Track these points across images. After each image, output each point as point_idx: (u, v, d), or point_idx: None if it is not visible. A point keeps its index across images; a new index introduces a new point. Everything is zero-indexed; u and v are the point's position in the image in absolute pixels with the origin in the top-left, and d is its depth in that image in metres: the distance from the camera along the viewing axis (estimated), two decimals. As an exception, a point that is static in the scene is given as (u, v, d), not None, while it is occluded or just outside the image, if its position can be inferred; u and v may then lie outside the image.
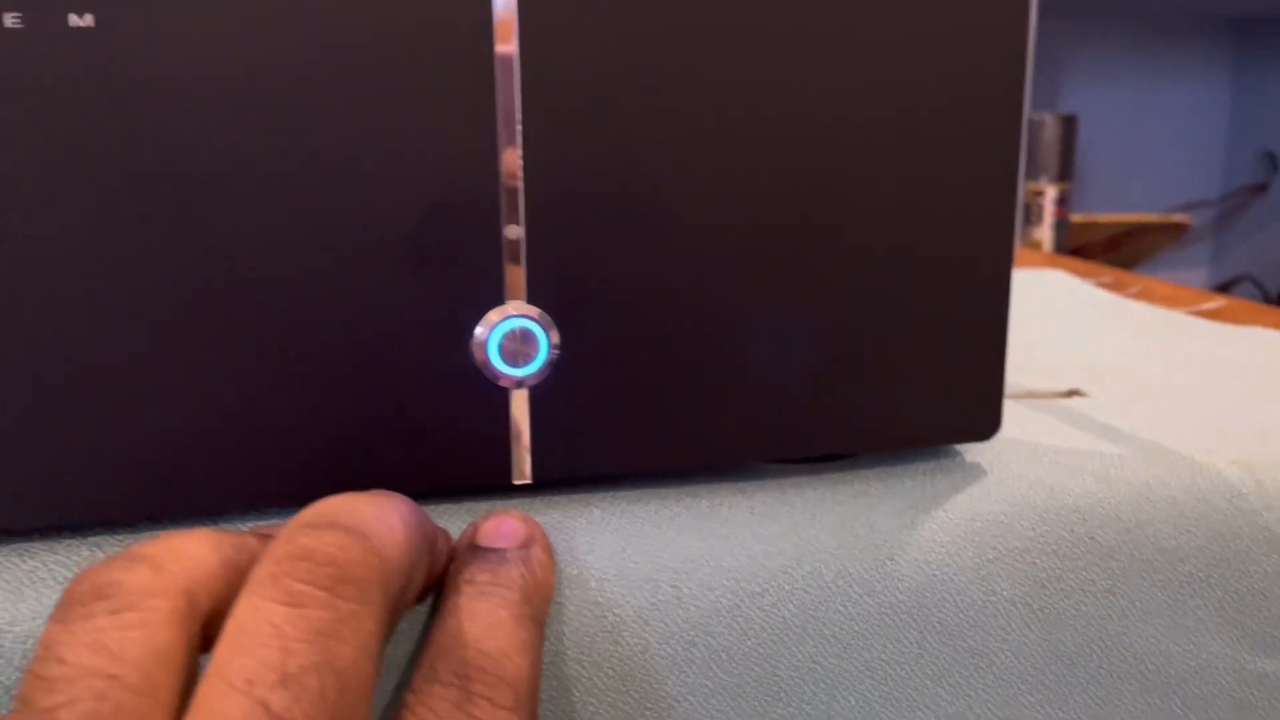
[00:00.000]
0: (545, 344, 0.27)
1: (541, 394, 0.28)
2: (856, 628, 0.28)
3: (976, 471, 0.31)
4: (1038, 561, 0.29)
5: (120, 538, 0.26)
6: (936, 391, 0.30)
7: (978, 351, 0.30)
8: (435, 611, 0.24)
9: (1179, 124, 1.79)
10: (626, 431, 0.28)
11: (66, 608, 0.20)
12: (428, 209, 0.26)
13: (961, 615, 0.29)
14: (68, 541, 0.26)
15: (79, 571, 0.21)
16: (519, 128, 0.26)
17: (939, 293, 0.29)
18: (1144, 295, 0.59)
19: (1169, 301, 0.58)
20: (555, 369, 0.27)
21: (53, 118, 0.23)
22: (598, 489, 0.29)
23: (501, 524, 0.26)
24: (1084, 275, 0.65)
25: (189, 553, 0.21)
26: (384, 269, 0.26)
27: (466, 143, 0.26)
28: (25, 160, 0.23)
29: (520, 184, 0.26)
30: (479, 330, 0.27)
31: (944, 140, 0.28)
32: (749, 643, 0.27)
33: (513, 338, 0.27)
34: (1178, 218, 1.55)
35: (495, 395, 0.27)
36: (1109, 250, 1.49)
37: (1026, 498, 0.30)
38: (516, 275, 0.27)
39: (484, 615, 0.23)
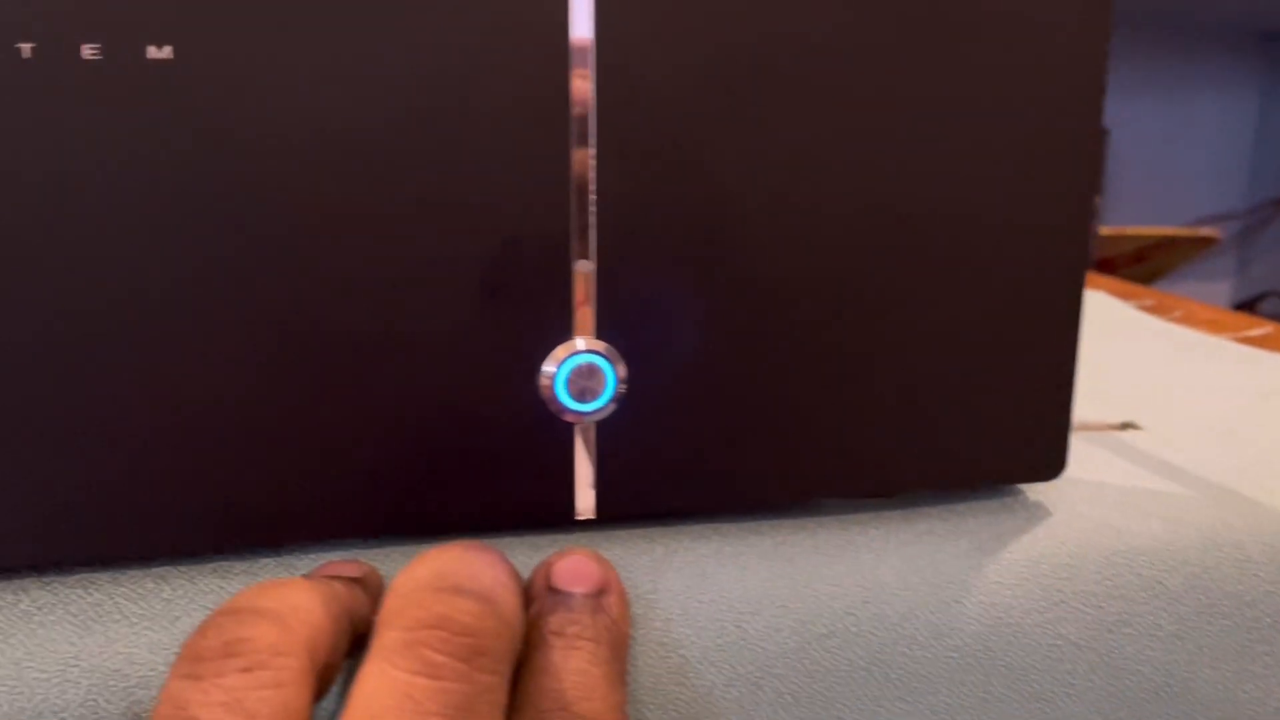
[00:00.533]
0: (613, 380, 0.27)
1: (607, 430, 0.27)
2: (922, 671, 0.28)
3: (1040, 511, 0.31)
4: (1104, 605, 0.29)
5: (184, 569, 0.26)
6: (1003, 431, 0.30)
7: (1045, 390, 0.30)
8: (524, 665, 0.24)
9: (1206, 137, 1.78)
10: (691, 469, 0.28)
11: (195, 663, 0.20)
12: (500, 243, 0.25)
13: (1027, 659, 0.28)
14: (132, 573, 0.26)
15: (200, 623, 0.21)
16: (593, 160, 0.26)
17: (1009, 331, 0.29)
18: (1186, 320, 0.58)
19: (1212, 326, 0.57)
20: (621, 405, 0.27)
21: (130, 151, 0.23)
22: (658, 524, 0.29)
23: (577, 565, 0.25)
24: (1124, 297, 0.64)
25: (304, 606, 0.21)
26: (455, 303, 0.26)
27: (540, 178, 0.25)
28: (102, 193, 0.23)
29: (592, 218, 0.26)
30: (547, 366, 0.26)
31: (1019, 174, 0.28)
32: (815, 686, 0.27)
33: (580, 373, 0.27)
34: (1206, 231, 1.54)
35: (561, 430, 0.27)
36: (1135, 262, 1.48)
37: (1093, 540, 0.30)
38: (585, 310, 0.26)
39: (578, 675, 0.23)
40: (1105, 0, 0.28)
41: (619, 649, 0.24)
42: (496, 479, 0.27)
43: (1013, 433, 0.30)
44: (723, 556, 0.28)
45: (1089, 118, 0.28)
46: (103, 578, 0.25)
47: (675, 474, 0.28)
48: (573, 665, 0.23)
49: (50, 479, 0.24)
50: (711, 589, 0.27)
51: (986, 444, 0.30)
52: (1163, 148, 1.74)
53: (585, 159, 0.26)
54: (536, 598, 0.25)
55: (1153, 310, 0.61)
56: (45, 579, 0.25)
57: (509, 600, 0.22)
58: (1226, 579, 0.30)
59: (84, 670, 0.23)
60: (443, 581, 0.21)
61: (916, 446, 0.29)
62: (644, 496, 0.28)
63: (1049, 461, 0.30)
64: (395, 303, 0.25)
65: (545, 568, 0.26)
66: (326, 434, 0.26)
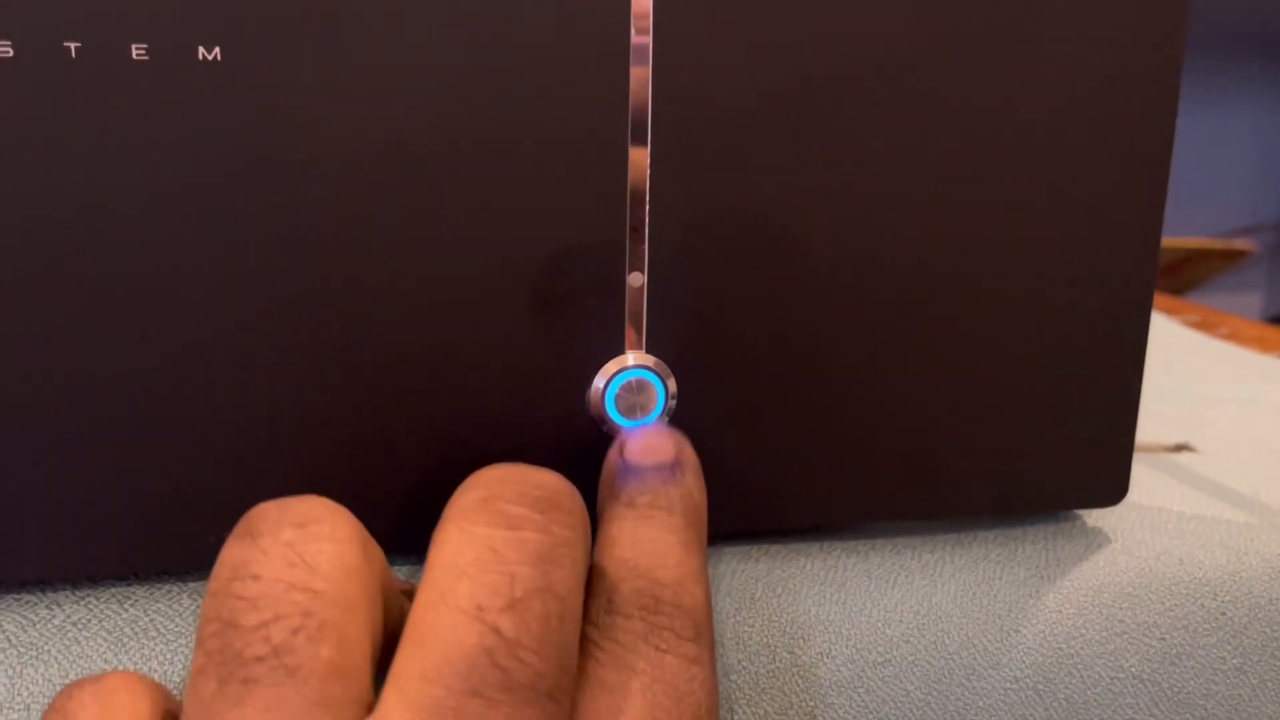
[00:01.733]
0: (663, 396, 0.26)
1: (657, 447, 0.26)
2: (981, 703, 0.27)
3: (1099, 538, 0.30)
4: (1167, 637, 0.28)
5: (221, 585, 0.25)
6: (1064, 454, 0.29)
7: (1108, 413, 0.29)
8: (597, 540, 0.23)
9: (1239, 147, 1.76)
10: (740, 489, 0.27)
11: (249, 525, 0.20)
12: (552, 253, 0.25)
13: (1088, 692, 0.27)
14: (168, 588, 0.25)
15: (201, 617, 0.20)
16: (648, 173, 0.25)
17: (1073, 351, 0.28)
18: (1233, 336, 0.57)
19: (1259, 344, 0.56)
20: (671, 422, 0.26)
21: (177, 154, 0.22)
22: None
23: (650, 439, 0.25)
24: (1168, 312, 0.63)
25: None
26: (505, 315, 0.25)
27: (595, 187, 0.25)
28: (147, 196, 0.22)
29: (646, 228, 0.25)
30: (597, 381, 0.26)
31: (1087, 192, 0.27)
32: (870, 716, 0.26)
33: (629, 388, 0.26)
34: (1239, 244, 1.52)
35: (609, 447, 0.26)
36: (1168, 275, 1.47)
37: (1154, 569, 0.29)
38: (637, 323, 0.26)
39: (652, 543, 0.22)
40: (1178, 26, 0.27)
41: (694, 516, 0.24)
42: (542, 496, 0.26)
43: (1074, 456, 0.29)
44: (772, 579, 0.27)
45: (1161, 136, 0.27)
46: (139, 592, 0.25)
47: (723, 494, 0.27)
48: (645, 534, 0.23)
49: (86, 491, 0.24)
50: (761, 613, 0.26)
51: (1047, 468, 0.29)
52: (1195, 158, 1.72)
53: (641, 168, 0.25)
54: (609, 476, 0.25)
55: (1198, 327, 0.60)
56: (80, 593, 0.25)
57: (574, 490, 0.22)
58: (1293, 611, 0.29)
59: (119, 688, 0.23)
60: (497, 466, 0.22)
61: (975, 469, 0.28)
62: (693, 516, 0.27)
63: (1110, 487, 0.29)
64: (443, 314, 0.25)
65: (619, 445, 0.25)
66: (369, 448, 0.25)
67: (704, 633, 0.22)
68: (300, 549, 0.19)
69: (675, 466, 0.24)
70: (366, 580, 0.20)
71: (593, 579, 0.22)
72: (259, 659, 0.18)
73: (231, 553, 0.19)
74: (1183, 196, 1.71)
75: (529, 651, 0.19)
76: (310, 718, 0.18)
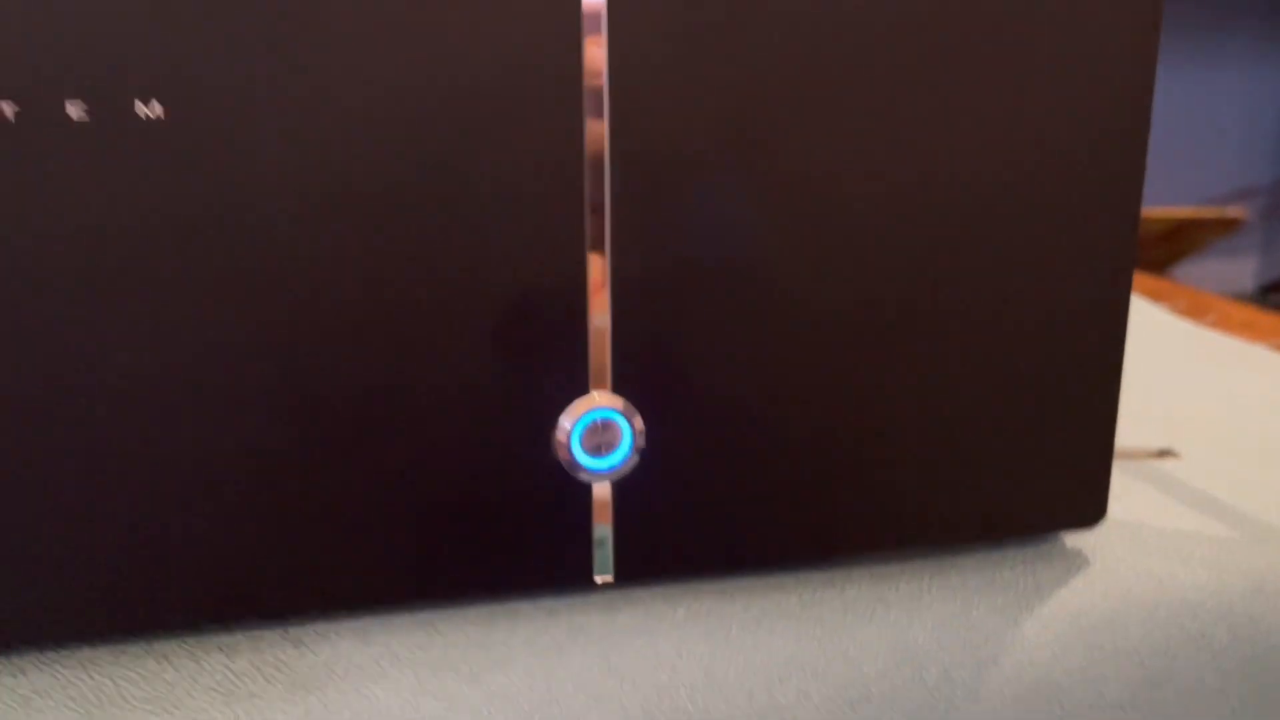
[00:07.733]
0: (630, 436, 0.26)
1: (625, 488, 0.26)
2: (958, 737, 0.27)
3: (1078, 560, 0.29)
4: (1147, 662, 0.28)
5: (188, 645, 0.25)
6: (1040, 478, 0.28)
7: (1085, 434, 0.28)
8: None
9: (1232, 111, 1.75)
10: (713, 526, 0.27)
11: None
12: (513, 297, 0.24)
13: (1068, 720, 0.27)
14: (134, 651, 0.25)
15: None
16: (609, 211, 0.24)
17: (1048, 375, 0.28)
18: (1220, 323, 0.57)
19: (1247, 330, 0.56)
20: (640, 462, 0.26)
21: (121, 215, 0.22)
22: (680, 582, 0.28)
23: None
24: (1156, 297, 0.62)
25: None
26: (468, 360, 0.24)
27: (554, 230, 0.24)
28: (91, 259, 0.22)
29: (607, 267, 0.25)
30: (563, 422, 0.25)
31: (1058, 212, 0.27)
32: (846, 756, 0.26)
33: (595, 430, 0.25)
34: (1233, 212, 1.51)
35: (577, 489, 0.26)
36: (1162, 244, 1.46)
37: (1134, 591, 0.28)
38: (602, 364, 0.25)
39: None
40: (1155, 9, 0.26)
41: None
42: (511, 542, 0.26)
43: (1051, 480, 0.28)
44: (748, 617, 0.27)
45: (1135, 145, 0.27)
46: (104, 657, 0.24)
47: (697, 532, 0.27)
48: None
49: (50, 553, 0.23)
50: (738, 653, 0.26)
51: (1024, 492, 0.28)
52: (1187, 122, 1.71)
53: (601, 207, 0.24)
54: None
55: (1186, 313, 0.59)
56: (45, 659, 0.24)
57: None
58: (1273, 630, 0.29)
59: (85, 758, 0.23)
60: None
61: (952, 497, 0.28)
62: (664, 557, 0.27)
63: (1089, 508, 0.29)
64: (405, 360, 0.24)
65: None
66: (334, 499, 0.25)
67: None
68: None
69: None
70: None
71: None
72: None
73: None
74: (1175, 162, 1.70)
75: None
76: None
